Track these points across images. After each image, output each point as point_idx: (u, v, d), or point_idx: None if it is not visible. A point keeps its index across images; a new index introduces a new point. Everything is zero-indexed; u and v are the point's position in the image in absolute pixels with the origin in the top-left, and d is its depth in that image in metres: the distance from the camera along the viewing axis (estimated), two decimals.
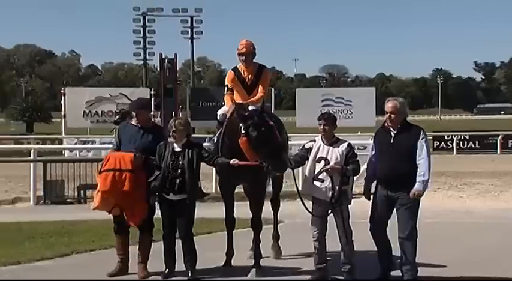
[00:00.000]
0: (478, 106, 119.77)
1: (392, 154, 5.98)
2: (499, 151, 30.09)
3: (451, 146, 31.30)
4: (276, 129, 6.31)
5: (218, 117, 6.95)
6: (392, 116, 6.01)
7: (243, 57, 6.88)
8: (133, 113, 6.66)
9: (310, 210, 6.21)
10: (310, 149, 6.17)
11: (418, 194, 5.92)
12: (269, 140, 6.04)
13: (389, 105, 6.06)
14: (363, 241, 6.53)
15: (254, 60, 6.98)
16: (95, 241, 7.89)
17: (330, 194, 6.04)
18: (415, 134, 6.04)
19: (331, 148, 6.11)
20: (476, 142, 32.25)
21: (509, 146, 31.56)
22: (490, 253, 7.62)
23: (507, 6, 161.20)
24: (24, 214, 10.52)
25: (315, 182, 6.10)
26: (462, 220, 10.24)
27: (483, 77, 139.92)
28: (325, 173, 6.06)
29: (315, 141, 6.24)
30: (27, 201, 12.34)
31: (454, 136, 31.80)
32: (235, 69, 7.00)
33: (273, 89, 35.49)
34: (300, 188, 6.32)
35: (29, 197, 12.37)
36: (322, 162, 6.06)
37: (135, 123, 6.59)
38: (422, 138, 6.01)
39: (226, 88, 6.99)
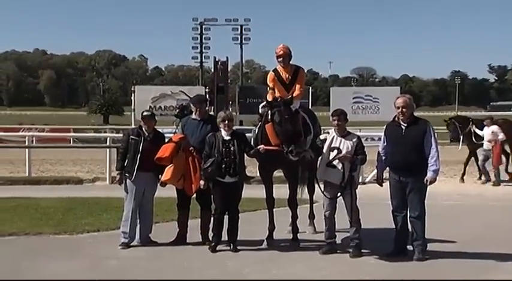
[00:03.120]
0: (491, 103, 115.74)
1: (404, 144, 5.88)
2: None
3: None
4: (299, 120, 6.22)
5: (260, 111, 6.94)
6: (404, 109, 5.91)
7: (281, 59, 6.81)
8: (194, 108, 6.70)
9: (326, 192, 6.17)
10: (325, 140, 6.14)
11: (431, 182, 5.86)
12: (289, 125, 5.98)
13: (400, 101, 5.96)
14: (370, 221, 6.51)
15: (291, 62, 6.90)
16: (159, 215, 7.97)
17: (340, 178, 6.00)
18: (423, 127, 5.94)
19: (343, 139, 6.07)
20: None
21: None
22: (497, 230, 7.49)
23: None
24: (101, 190, 10.79)
25: (329, 168, 6.06)
26: (474, 202, 10.02)
27: (496, 78, 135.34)
28: (337, 161, 6.02)
29: (329, 133, 6.20)
30: (104, 180, 12.67)
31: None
32: (275, 71, 6.95)
33: (310, 88, 35.17)
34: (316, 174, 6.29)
35: (106, 177, 12.69)
36: (335, 151, 6.03)
37: (195, 117, 6.66)
38: (430, 131, 5.92)
39: (268, 87, 6.98)
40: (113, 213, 8.22)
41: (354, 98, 32.94)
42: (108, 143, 13.91)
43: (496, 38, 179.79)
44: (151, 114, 6.71)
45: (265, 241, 6.55)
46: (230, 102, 37.36)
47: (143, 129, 6.52)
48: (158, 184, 6.59)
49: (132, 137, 6.47)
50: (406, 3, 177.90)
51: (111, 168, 12.67)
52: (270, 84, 6.92)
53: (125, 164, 6.46)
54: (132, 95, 33.69)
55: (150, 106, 32.32)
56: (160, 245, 6.52)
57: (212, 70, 42.16)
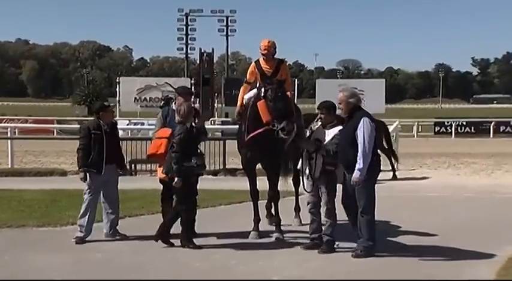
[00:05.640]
0: (474, 96, 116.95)
1: (342, 139, 5.78)
2: (491, 135, 29.61)
3: (450, 130, 30.91)
4: (292, 100, 6.18)
5: (244, 102, 6.76)
6: (340, 105, 5.81)
7: (265, 57, 6.71)
8: (180, 98, 6.50)
9: (306, 186, 6.05)
10: (312, 131, 6.07)
11: (355, 182, 5.55)
12: (282, 102, 5.95)
13: (338, 97, 5.83)
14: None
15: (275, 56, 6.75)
16: (144, 207, 7.97)
17: (318, 171, 5.85)
18: (355, 122, 5.64)
19: (325, 130, 5.96)
20: (472, 127, 31.76)
21: (501, 131, 31.06)
22: (478, 222, 7.57)
23: (502, 9, 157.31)
24: None
25: (309, 161, 5.95)
26: (458, 194, 10.11)
27: (479, 71, 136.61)
28: (316, 153, 5.87)
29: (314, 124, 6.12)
30: None
31: (453, 122, 31.42)
32: (257, 62, 6.83)
33: (296, 80, 35.20)
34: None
35: None
36: (317, 143, 5.90)
37: (175, 108, 6.46)
38: (362, 127, 5.57)
39: (245, 80, 6.86)
40: (98, 206, 8.12)
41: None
42: None
43: (479, 32, 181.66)
44: (108, 105, 6.63)
45: (251, 233, 6.54)
46: (216, 94, 37.27)
47: (101, 122, 6.36)
48: (119, 173, 6.56)
49: (93, 131, 6.29)
50: None
51: None
52: (248, 77, 6.82)
53: (89, 160, 6.27)
54: (117, 86, 33.44)
55: (135, 97, 32.26)
56: (142, 239, 6.40)
57: (198, 62, 41.93)
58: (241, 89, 6.87)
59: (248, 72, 6.87)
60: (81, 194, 9.04)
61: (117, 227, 6.55)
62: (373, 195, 5.72)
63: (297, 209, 7.33)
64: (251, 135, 6.15)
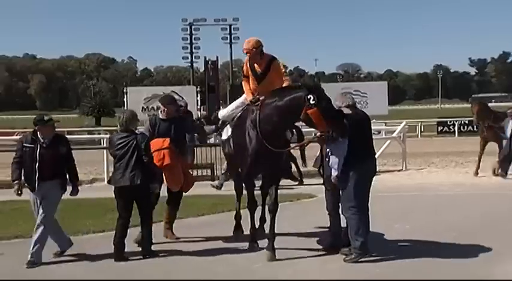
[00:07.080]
0: (472, 96, 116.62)
1: None
2: None
3: (453, 130, 30.71)
4: None
5: (221, 117, 6.43)
6: None
7: (247, 57, 6.30)
8: (162, 107, 6.44)
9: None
10: None
11: (333, 179, 5.60)
12: (335, 108, 5.55)
13: None
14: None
15: (265, 53, 6.27)
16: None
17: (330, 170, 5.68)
18: None
19: None
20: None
21: None
22: (493, 219, 7.48)
23: (497, 9, 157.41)
24: (100, 191, 10.59)
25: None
26: (470, 192, 10.00)
27: (477, 71, 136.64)
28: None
29: None
30: (102, 181, 12.47)
31: (456, 121, 31.20)
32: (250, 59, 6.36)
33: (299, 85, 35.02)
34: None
35: (103, 178, 12.51)
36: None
37: (163, 117, 6.41)
38: None
39: (243, 74, 6.45)
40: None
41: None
42: (104, 144, 13.73)
43: (475, 33, 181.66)
44: (48, 120, 5.83)
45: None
46: (220, 101, 37.23)
47: (38, 135, 5.77)
48: (62, 192, 5.91)
49: (25, 144, 5.76)
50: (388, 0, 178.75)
51: (109, 169, 12.50)
52: (245, 72, 6.35)
53: (25, 175, 5.79)
54: (125, 96, 33.45)
55: (142, 107, 32.21)
56: (160, 246, 6.33)
57: (202, 70, 41.96)
58: (244, 83, 6.40)
59: (244, 66, 6.44)
60: (97, 203, 9.07)
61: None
62: (352, 191, 5.50)
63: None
64: (300, 144, 5.93)
